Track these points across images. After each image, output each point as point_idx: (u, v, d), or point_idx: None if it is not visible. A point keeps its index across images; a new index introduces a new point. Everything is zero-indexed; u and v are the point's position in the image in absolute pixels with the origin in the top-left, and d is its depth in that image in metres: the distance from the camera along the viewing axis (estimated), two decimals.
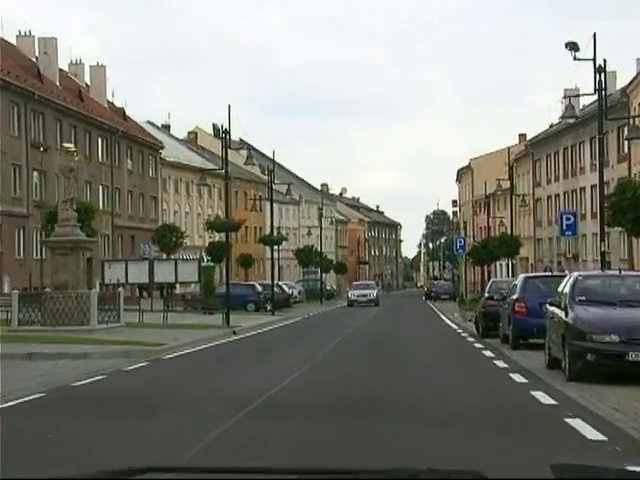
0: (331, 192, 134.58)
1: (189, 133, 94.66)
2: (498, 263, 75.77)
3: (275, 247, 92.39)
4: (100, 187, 62.05)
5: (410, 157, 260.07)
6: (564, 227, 29.84)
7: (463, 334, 27.23)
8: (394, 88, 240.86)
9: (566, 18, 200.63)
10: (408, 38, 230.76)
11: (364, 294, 60.55)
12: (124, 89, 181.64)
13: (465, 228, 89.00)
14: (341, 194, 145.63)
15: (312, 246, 72.61)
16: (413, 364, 17.21)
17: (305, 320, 40.87)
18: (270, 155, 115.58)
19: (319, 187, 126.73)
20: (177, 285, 61.39)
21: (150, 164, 72.64)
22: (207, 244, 66.62)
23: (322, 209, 69.40)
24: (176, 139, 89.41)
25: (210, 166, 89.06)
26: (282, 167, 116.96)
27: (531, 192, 79.27)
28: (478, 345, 21.69)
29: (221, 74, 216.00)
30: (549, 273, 24.98)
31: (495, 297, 22.62)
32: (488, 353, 19.21)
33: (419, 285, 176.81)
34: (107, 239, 62.82)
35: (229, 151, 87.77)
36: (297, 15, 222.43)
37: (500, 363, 16.64)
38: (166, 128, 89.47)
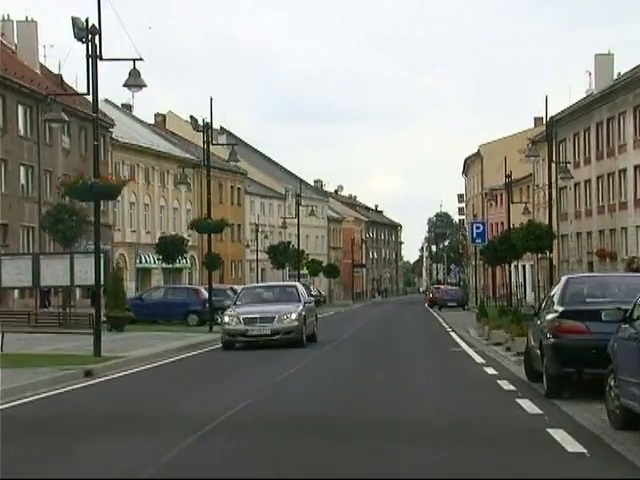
0: (326, 190, 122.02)
1: (156, 115, 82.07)
2: (514, 264, 62.97)
3: (253, 247, 79.99)
4: (21, 167, 49.44)
5: (412, 163, 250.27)
6: None
7: (501, 381, 14.24)
8: (396, 94, 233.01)
9: (572, 24, 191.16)
10: (412, 44, 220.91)
11: (264, 315, 24.81)
12: (121, 90, 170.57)
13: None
14: (336, 191, 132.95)
15: (288, 242, 59.67)
16: None
17: None
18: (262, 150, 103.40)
19: (313, 184, 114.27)
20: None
21: (86, 139, 59.86)
22: (157, 240, 54.04)
23: (300, 196, 56.04)
24: (139, 121, 76.82)
25: (177, 152, 76.44)
26: (269, 159, 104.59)
27: (553, 180, 66.57)
28: (572, 445, 8.59)
29: (221, 79, 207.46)
30: None
31: (604, 316, 9.69)
32: None
33: (421, 290, 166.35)
34: (31, 232, 50.13)
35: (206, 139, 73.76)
36: (300, 20, 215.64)
37: None
38: (127, 108, 76.83)
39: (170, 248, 51.98)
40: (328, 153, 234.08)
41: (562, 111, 64.46)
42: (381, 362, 19.30)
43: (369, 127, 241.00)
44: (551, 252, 33.30)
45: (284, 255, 57.74)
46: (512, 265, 64.00)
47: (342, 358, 20.97)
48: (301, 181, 61.52)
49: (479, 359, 18.87)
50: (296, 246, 64.13)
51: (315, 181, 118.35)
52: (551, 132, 34.08)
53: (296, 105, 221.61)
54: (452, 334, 29.94)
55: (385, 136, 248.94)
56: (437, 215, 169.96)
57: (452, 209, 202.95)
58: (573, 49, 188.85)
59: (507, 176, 44.09)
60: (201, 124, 30.88)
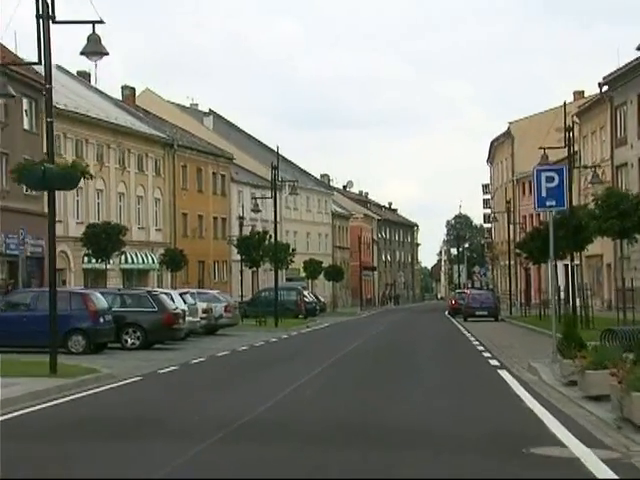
0: (334, 185, 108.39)
1: (123, 88, 68.62)
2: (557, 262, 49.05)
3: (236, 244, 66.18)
4: None
5: (429, 169, 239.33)
6: None
7: None
8: (414, 99, 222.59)
9: (586, 25, 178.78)
10: (430, 50, 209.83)
11: None
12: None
13: (509, 216, 61.92)
14: (345, 187, 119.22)
15: (265, 232, 45.78)
16: None
17: (87, 404, 14.28)
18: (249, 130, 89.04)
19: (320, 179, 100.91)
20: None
21: (26, 111, 46.52)
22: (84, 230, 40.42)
23: (277, 169, 41.83)
24: (98, 92, 63.48)
25: (144, 129, 62.89)
26: (264, 145, 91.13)
27: (609, 157, 52.95)
28: None
29: (238, 85, 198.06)
30: None
31: None
32: None
33: (439, 297, 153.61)
34: None
35: (186, 115, 57.75)
36: (317, 26, 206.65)
37: None
38: (83, 76, 63.46)
39: (101, 240, 38.62)
40: (343, 159, 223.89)
41: (616, 70, 50.64)
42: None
43: (385, 133, 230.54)
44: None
45: (258, 250, 43.89)
46: (550, 264, 50.35)
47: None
48: (278, 154, 47.27)
49: None
50: (284, 241, 50.37)
51: (322, 175, 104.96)
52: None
53: (312, 110, 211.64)
54: (505, 377, 16.24)
55: (401, 142, 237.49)
56: (456, 217, 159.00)
57: (471, 212, 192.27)
58: (593, 48, 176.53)
59: (567, 129, 30.16)
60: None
